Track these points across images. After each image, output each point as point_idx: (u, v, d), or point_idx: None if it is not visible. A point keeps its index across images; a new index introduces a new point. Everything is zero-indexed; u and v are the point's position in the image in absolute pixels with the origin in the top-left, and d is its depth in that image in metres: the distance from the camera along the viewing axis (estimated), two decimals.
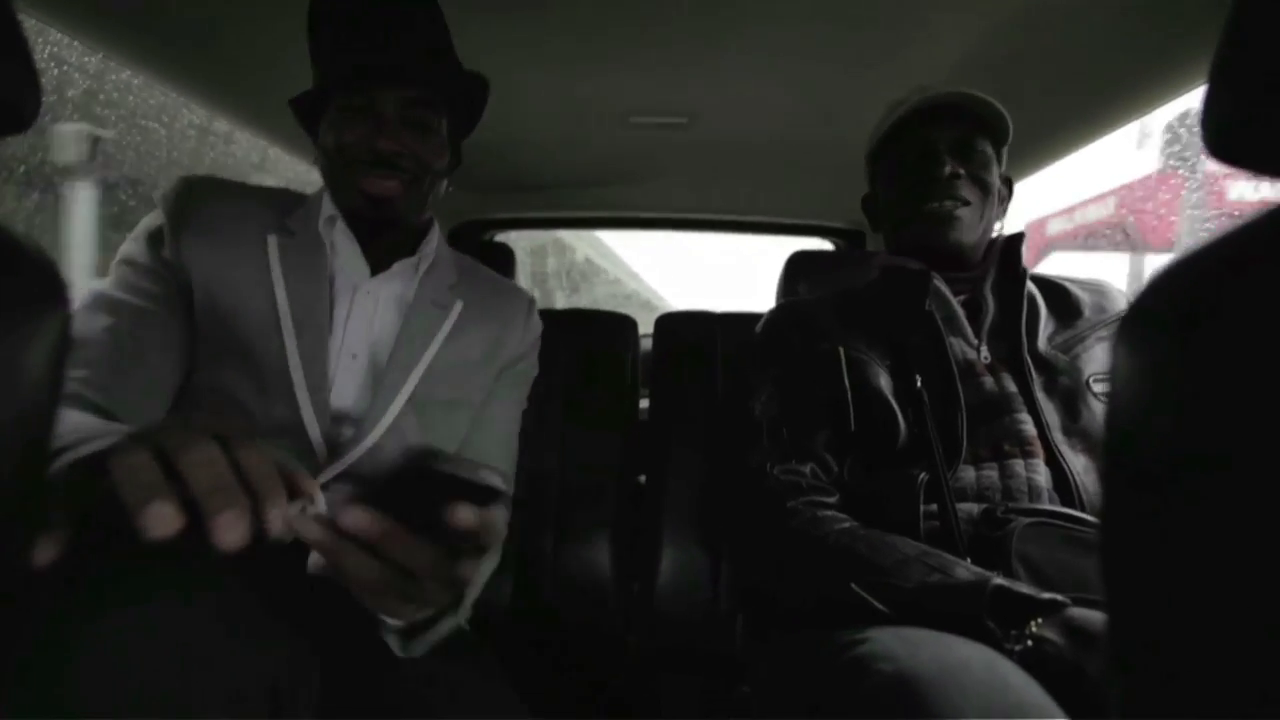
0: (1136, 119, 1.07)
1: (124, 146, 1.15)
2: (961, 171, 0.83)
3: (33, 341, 0.26)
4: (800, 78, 1.12)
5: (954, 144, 0.84)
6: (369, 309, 0.78)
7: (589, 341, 1.00)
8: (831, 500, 0.76)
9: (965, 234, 0.84)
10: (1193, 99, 0.99)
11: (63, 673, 0.32)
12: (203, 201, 0.75)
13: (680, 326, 1.25)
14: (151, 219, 0.75)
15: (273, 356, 0.71)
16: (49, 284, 0.27)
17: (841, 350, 0.82)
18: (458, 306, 0.82)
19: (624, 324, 1.24)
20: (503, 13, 0.86)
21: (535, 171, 1.01)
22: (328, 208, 0.78)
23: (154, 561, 0.35)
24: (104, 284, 0.73)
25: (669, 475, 1.12)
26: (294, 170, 1.44)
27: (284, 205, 0.79)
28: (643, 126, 1.32)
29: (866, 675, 0.46)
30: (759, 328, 0.94)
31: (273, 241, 0.75)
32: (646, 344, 1.29)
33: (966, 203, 0.83)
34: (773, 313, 0.95)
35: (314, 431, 0.70)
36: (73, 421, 0.55)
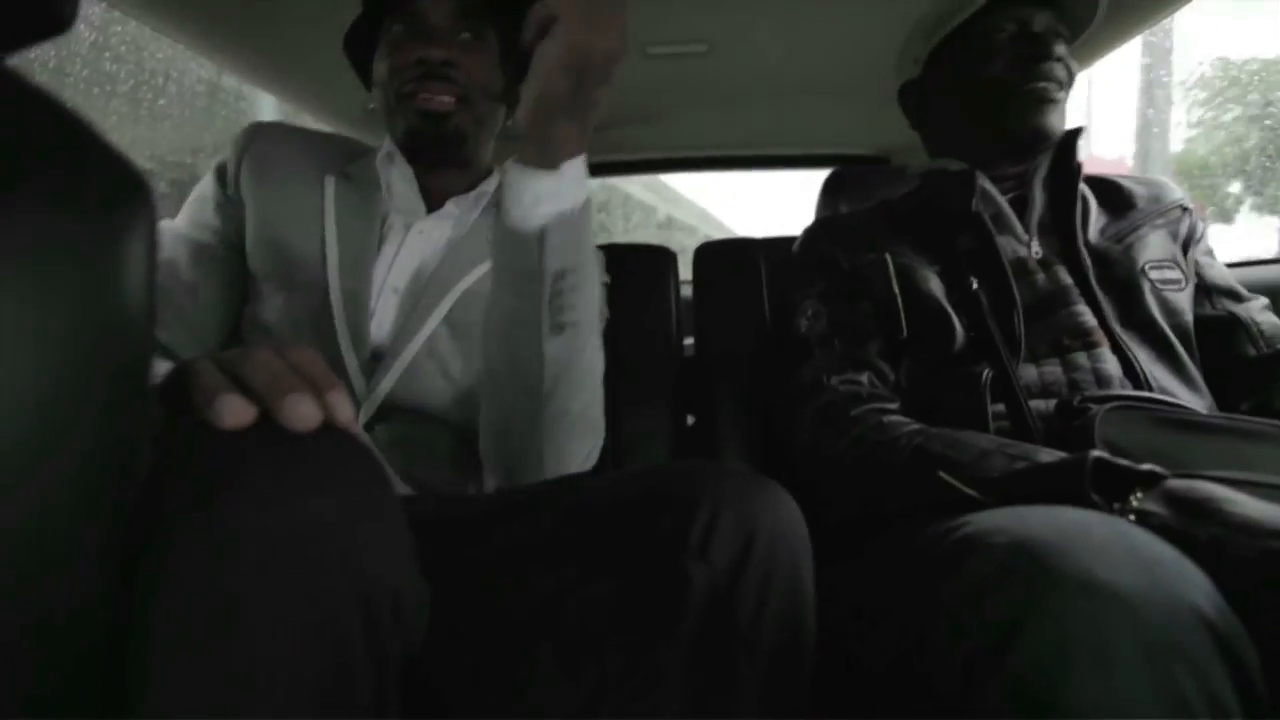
0: None
1: (137, 102, 1.12)
2: (1061, 55, 0.79)
3: (128, 238, 0.25)
4: (824, 2, 1.07)
5: (1047, 27, 0.80)
6: (420, 247, 0.77)
7: (625, 277, 0.96)
8: (893, 406, 0.74)
9: (1059, 122, 0.80)
10: None
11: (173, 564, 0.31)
12: (269, 143, 0.77)
13: (720, 256, 1.21)
14: (221, 158, 0.78)
15: (316, 291, 0.72)
16: (135, 183, 0.25)
17: (889, 257, 0.80)
18: None
19: (661, 256, 1.20)
20: None
21: None
22: (386, 145, 0.78)
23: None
24: (175, 220, 0.77)
25: (718, 414, 1.09)
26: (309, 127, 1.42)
27: (350, 151, 0.81)
28: (661, 58, 1.28)
29: (977, 551, 0.44)
30: (797, 245, 0.92)
31: (330, 182, 0.76)
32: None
33: (1063, 86, 0.79)
34: (811, 228, 0.91)
35: (351, 364, 0.70)
36: None
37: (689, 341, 1.19)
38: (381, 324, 0.73)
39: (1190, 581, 0.39)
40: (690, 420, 1.19)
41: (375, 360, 0.72)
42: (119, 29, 1.12)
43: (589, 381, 0.65)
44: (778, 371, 0.87)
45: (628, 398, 0.87)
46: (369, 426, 0.70)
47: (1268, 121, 2.69)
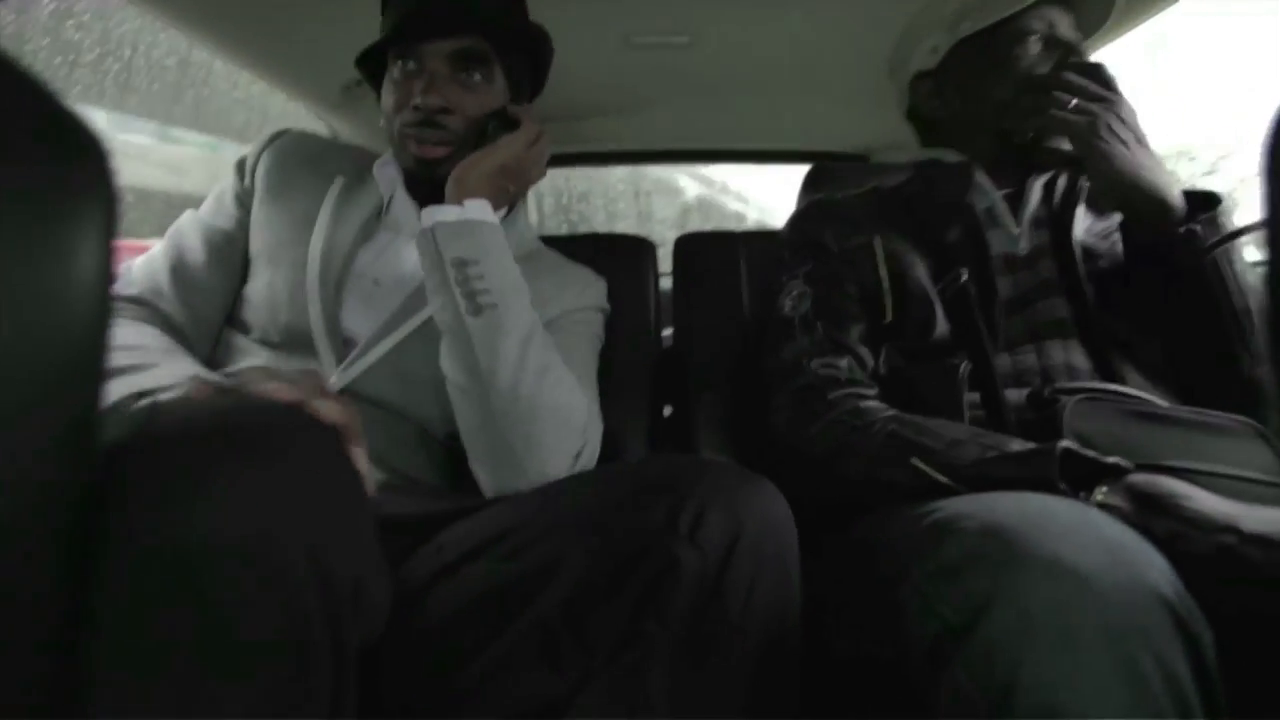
0: None
1: (102, 73, 1.08)
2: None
3: (84, 201, 0.24)
4: None
5: (1071, 31, 0.79)
6: (408, 250, 0.79)
7: (604, 267, 0.96)
8: (871, 392, 0.75)
9: None
10: None
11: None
12: (290, 145, 0.85)
13: (702, 247, 1.21)
14: (242, 154, 0.85)
15: (298, 269, 0.76)
16: (92, 146, 0.24)
17: (877, 241, 0.80)
18: None
19: (641, 247, 1.20)
20: None
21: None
22: (388, 156, 0.84)
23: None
24: (200, 209, 0.84)
25: (696, 405, 1.09)
26: (283, 108, 1.38)
27: (369, 160, 0.86)
28: (644, 48, 1.27)
29: (949, 534, 0.45)
30: (786, 225, 0.92)
31: (338, 182, 0.82)
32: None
33: None
34: (802, 209, 0.92)
35: (321, 345, 0.73)
36: (142, 336, 0.68)
37: (667, 332, 1.19)
38: (353, 316, 0.76)
39: (1150, 564, 0.40)
40: (667, 411, 1.19)
41: (347, 345, 0.74)
42: None
43: (550, 378, 0.68)
44: (758, 352, 0.87)
45: (605, 387, 0.87)
46: None
47: None
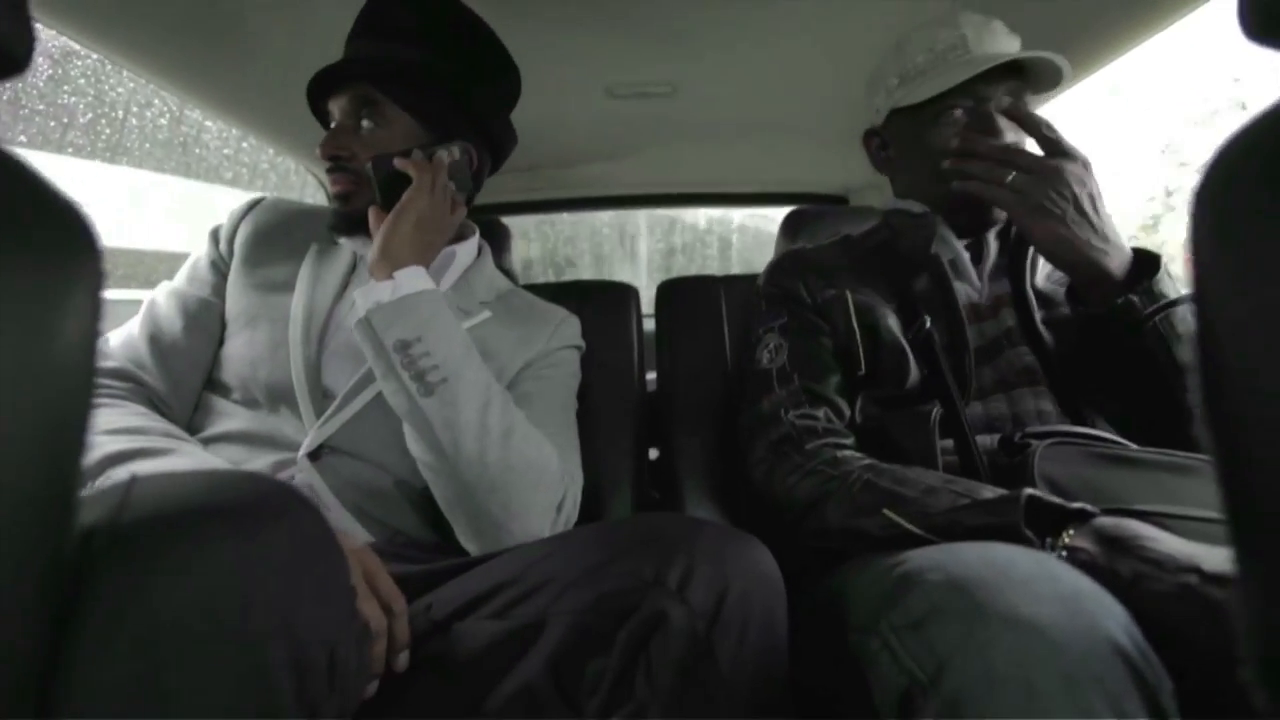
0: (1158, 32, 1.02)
1: (95, 135, 1.11)
2: (1012, 141, 0.78)
3: (74, 288, 0.24)
4: (782, 43, 1.11)
5: (1003, 98, 0.80)
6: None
7: (588, 314, 0.97)
8: (847, 442, 0.76)
9: None
10: None
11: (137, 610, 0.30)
12: (268, 214, 0.87)
13: (683, 292, 1.23)
14: (217, 224, 0.88)
15: (279, 326, 0.77)
16: (84, 232, 0.25)
17: (849, 294, 0.82)
18: (484, 314, 0.85)
19: (624, 293, 1.22)
20: None
21: (515, 153, 0.99)
22: None
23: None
24: (175, 278, 0.85)
25: (681, 448, 1.10)
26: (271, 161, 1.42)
27: None
28: (626, 99, 1.31)
29: (915, 587, 0.46)
30: (762, 277, 0.94)
31: (315, 248, 0.84)
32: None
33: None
34: (777, 261, 0.94)
35: (302, 400, 0.74)
36: (137, 418, 0.68)
37: (651, 376, 1.20)
38: (331, 370, 0.76)
39: (1108, 614, 0.41)
40: (653, 454, 1.20)
41: (326, 398, 0.75)
42: (79, 62, 1.11)
43: (516, 439, 0.68)
44: (738, 403, 0.89)
45: (590, 432, 0.88)
46: (316, 455, 0.73)
47: None
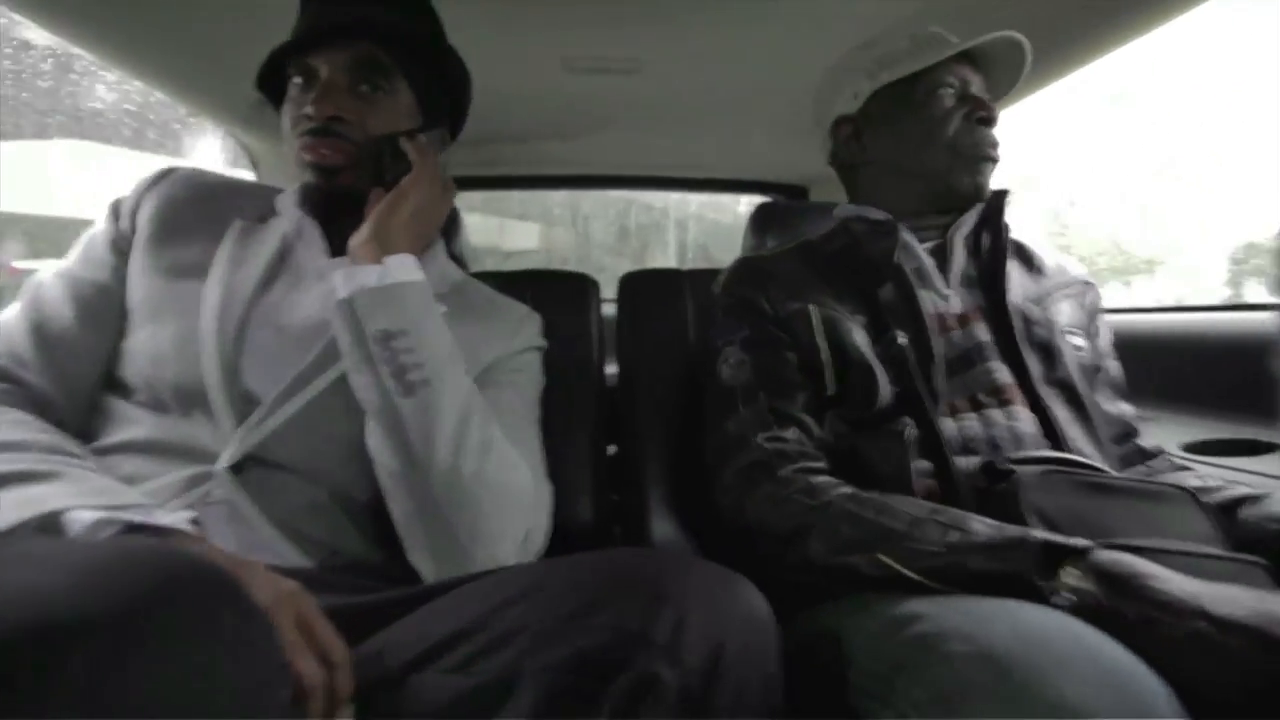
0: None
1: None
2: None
3: None
4: (751, 27, 1.07)
5: (984, 89, 0.83)
6: (317, 292, 0.71)
7: (545, 305, 0.90)
8: (821, 465, 0.72)
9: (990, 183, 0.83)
10: None
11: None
12: (180, 188, 0.76)
13: (645, 285, 1.18)
14: (117, 197, 0.76)
15: (188, 319, 0.67)
16: None
17: (813, 309, 0.78)
18: (439, 309, 0.74)
19: (583, 284, 1.16)
20: None
21: (468, 126, 0.91)
22: (294, 187, 0.77)
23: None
24: (64, 261, 0.73)
25: (643, 446, 1.05)
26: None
27: (272, 200, 0.79)
28: (585, 75, 1.25)
29: (940, 657, 0.43)
30: (718, 285, 0.88)
31: (236, 226, 0.74)
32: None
33: (998, 148, 0.82)
34: (733, 270, 0.88)
35: (218, 405, 0.64)
36: (17, 429, 0.58)
37: (611, 370, 1.15)
38: (256, 363, 0.66)
39: (1155, 694, 0.39)
40: (611, 450, 1.14)
41: (247, 401, 0.65)
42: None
43: (494, 456, 0.63)
44: (700, 418, 0.84)
45: (549, 426, 0.82)
46: (239, 468, 0.63)
47: None
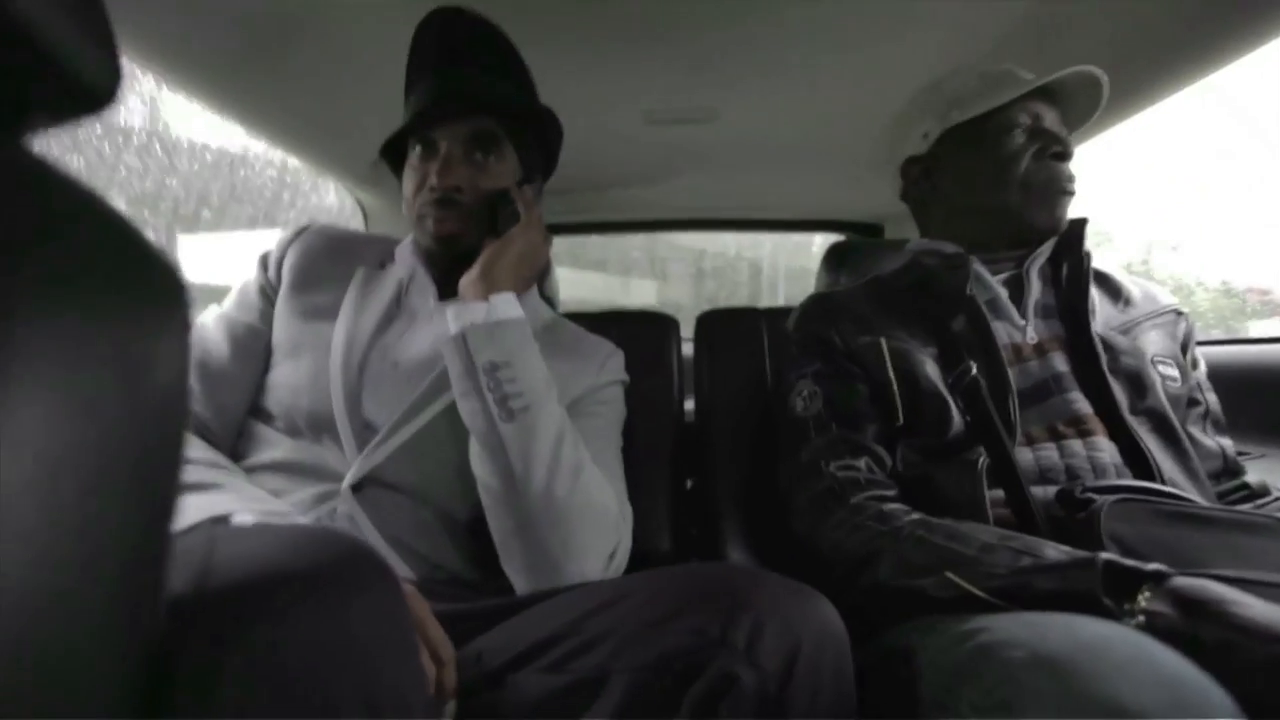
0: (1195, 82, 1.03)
1: (150, 155, 1.13)
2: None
3: (160, 341, 0.24)
4: (822, 73, 1.10)
5: (1056, 121, 0.84)
6: (427, 332, 0.80)
7: (628, 343, 0.96)
8: (892, 493, 0.74)
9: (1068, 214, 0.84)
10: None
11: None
12: (315, 240, 0.87)
13: (723, 324, 1.22)
14: (265, 250, 0.87)
15: (321, 357, 0.77)
16: (174, 286, 0.25)
17: (883, 341, 0.80)
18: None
19: (664, 323, 1.21)
20: (517, 10, 0.85)
21: (553, 176, 1.00)
22: (412, 236, 0.86)
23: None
24: (224, 303, 0.85)
25: (719, 481, 1.08)
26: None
27: (390, 250, 0.88)
28: (663, 124, 1.31)
29: (996, 664, 0.44)
30: (792, 322, 0.91)
31: (360, 273, 0.84)
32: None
33: (1074, 180, 0.83)
34: (805, 306, 0.91)
35: (344, 431, 0.73)
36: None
37: (689, 405, 1.19)
38: (375, 401, 0.75)
39: (1212, 701, 0.39)
40: (689, 484, 1.18)
41: (369, 429, 0.74)
42: (135, 85, 1.14)
43: (584, 478, 0.68)
44: (775, 451, 0.87)
45: (630, 459, 0.87)
46: (359, 487, 0.72)
47: None
